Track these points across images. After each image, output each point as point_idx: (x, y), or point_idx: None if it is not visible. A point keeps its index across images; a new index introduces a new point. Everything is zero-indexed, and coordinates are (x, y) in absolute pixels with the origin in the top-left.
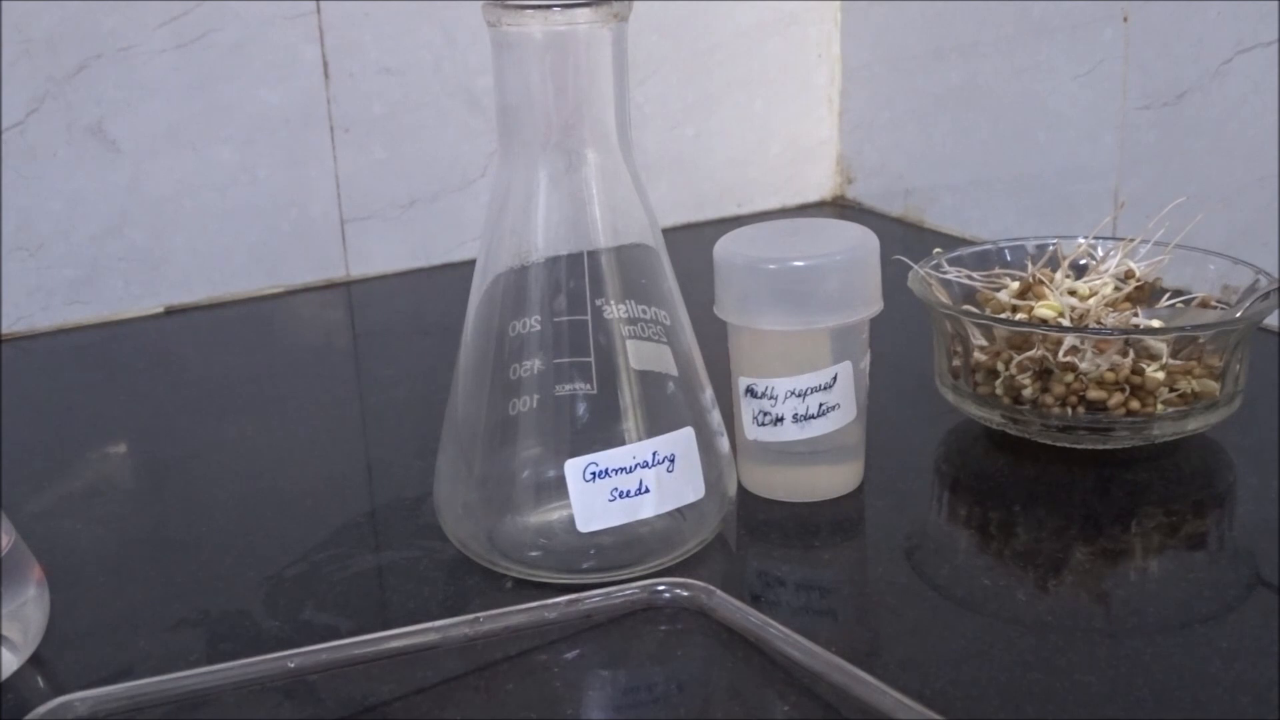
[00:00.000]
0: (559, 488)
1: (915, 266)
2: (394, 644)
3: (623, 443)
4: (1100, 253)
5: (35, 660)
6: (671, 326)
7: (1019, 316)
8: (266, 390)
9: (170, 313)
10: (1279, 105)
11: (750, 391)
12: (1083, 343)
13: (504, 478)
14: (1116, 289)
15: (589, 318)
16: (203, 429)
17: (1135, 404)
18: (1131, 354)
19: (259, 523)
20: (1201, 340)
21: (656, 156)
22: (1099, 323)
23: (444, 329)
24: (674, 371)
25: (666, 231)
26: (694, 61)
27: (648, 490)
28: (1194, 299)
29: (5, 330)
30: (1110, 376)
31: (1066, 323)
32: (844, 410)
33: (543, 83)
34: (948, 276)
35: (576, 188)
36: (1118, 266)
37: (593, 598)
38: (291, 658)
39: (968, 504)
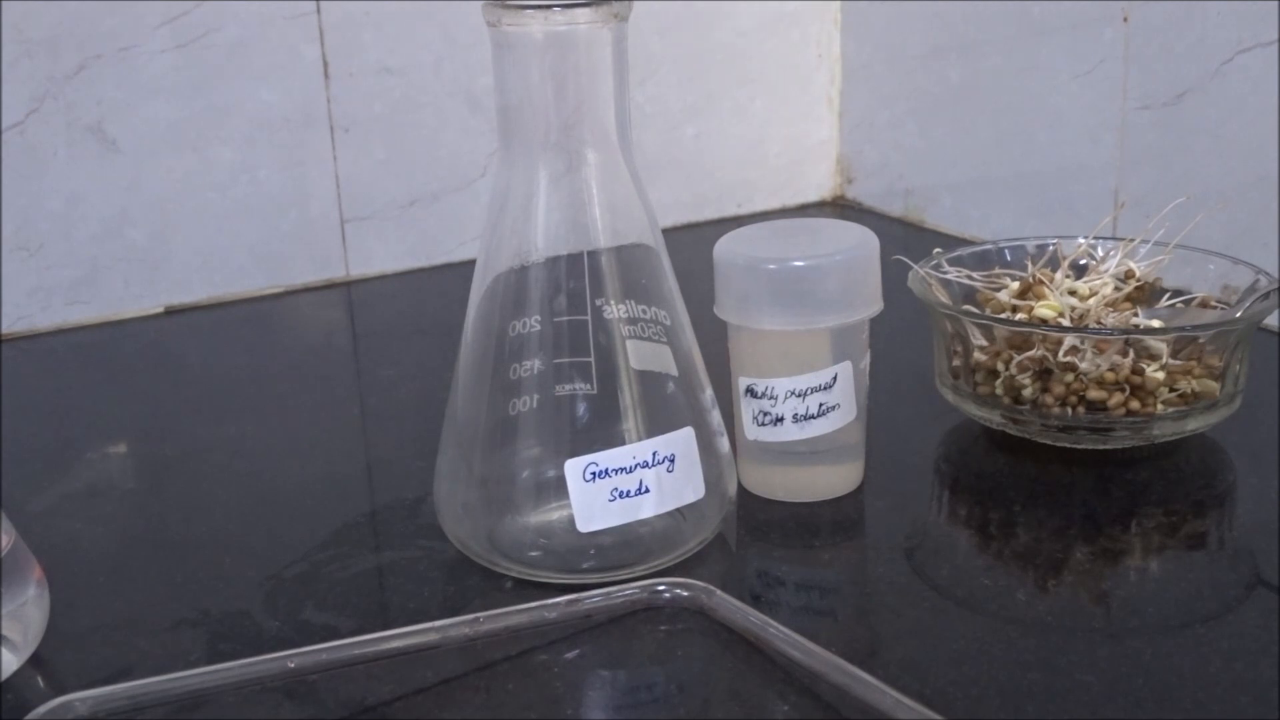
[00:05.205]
0: (559, 488)
1: (915, 266)
2: (394, 644)
3: (623, 443)
4: (1100, 253)
5: (35, 660)
6: (671, 326)
7: (1019, 316)
8: (266, 390)
9: (170, 313)
10: (1279, 105)
11: (750, 391)
12: (1083, 343)
13: (504, 478)
14: (1116, 289)
15: (589, 318)
16: (203, 429)
17: (1135, 404)
18: (1131, 354)
19: (259, 523)
20: (1201, 340)
21: (656, 156)
22: (1099, 323)
23: (444, 329)
24: (674, 371)
25: (666, 231)
26: (694, 61)
27: (648, 490)
28: (1194, 299)
29: (5, 330)
30: (1110, 376)
31: (1066, 323)
32: (844, 410)
33: (543, 83)
34: (948, 276)
35: (576, 188)
36: (1118, 266)
37: (593, 598)
38: (291, 658)
39: (968, 504)
